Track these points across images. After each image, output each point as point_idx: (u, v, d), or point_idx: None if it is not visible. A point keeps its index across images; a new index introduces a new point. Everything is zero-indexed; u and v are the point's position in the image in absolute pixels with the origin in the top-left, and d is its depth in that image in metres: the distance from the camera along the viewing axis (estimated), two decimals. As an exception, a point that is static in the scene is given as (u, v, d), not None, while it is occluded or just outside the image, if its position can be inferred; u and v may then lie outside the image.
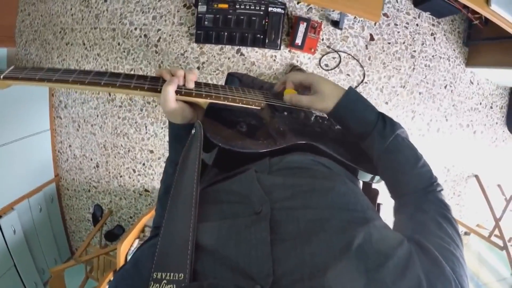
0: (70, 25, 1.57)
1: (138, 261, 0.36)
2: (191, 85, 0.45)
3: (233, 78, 0.66)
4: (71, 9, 1.54)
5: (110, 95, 1.63)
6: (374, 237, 0.30)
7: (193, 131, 0.42)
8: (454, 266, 0.32)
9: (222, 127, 0.45)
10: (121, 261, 1.31)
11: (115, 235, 1.95)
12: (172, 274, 0.29)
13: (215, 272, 0.30)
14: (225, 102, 0.48)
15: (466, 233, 1.79)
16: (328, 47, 1.42)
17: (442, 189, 0.45)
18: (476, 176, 1.76)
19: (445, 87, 1.54)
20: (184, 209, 0.34)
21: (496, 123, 1.70)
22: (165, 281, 0.29)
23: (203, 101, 0.46)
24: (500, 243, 1.59)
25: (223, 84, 0.64)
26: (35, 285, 1.76)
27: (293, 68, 1.40)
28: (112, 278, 0.39)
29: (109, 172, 1.80)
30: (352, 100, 0.48)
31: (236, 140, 0.43)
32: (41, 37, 1.66)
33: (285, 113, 0.53)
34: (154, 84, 0.44)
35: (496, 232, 1.64)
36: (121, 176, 1.79)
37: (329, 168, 0.46)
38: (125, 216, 1.91)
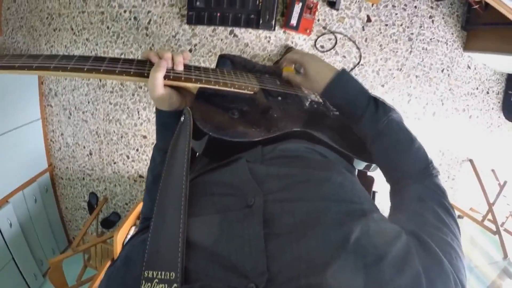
0: (57, 10, 1.51)
1: (128, 258, 0.35)
2: (180, 67, 0.43)
3: (225, 60, 0.63)
4: (57, -7, 1.48)
5: (100, 80, 1.59)
6: (371, 231, 0.29)
7: (182, 119, 0.40)
8: (452, 259, 0.31)
9: (213, 113, 0.43)
10: (118, 249, 1.32)
11: (111, 222, 1.95)
12: (163, 273, 0.28)
13: (207, 270, 0.28)
14: (216, 87, 0.45)
15: (459, 217, 1.82)
16: (324, 28, 1.39)
17: (438, 173, 0.44)
18: (471, 161, 1.77)
19: (442, 71, 1.53)
20: (174, 204, 0.32)
21: (492, 108, 1.70)
22: (156, 280, 0.28)
23: (192, 86, 0.44)
24: (493, 227, 1.61)
25: (215, 67, 0.61)
26: (35, 276, 1.77)
27: (288, 50, 1.37)
28: (103, 275, 0.38)
29: (102, 159, 1.79)
30: (343, 82, 0.47)
31: (227, 128, 0.41)
32: (28, 24, 1.61)
33: (279, 98, 0.51)
34: (141, 68, 0.41)
35: (489, 216, 1.67)
36: (115, 163, 1.78)
37: (325, 156, 0.44)
38: (120, 202, 1.91)
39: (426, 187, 0.41)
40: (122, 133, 1.68)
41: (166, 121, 0.46)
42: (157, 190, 0.47)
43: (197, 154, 0.50)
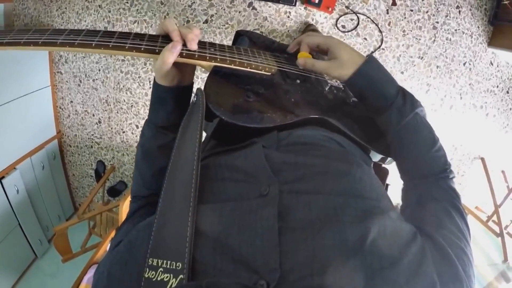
0: None
1: (132, 244, 0.33)
2: (193, 46, 0.39)
3: (243, 38, 0.59)
4: (71, -46, 1.43)
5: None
6: (388, 231, 0.27)
7: (194, 99, 0.37)
8: (465, 266, 0.30)
9: (227, 96, 0.40)
10: (123, 218, 1.34)
11: (117, 191, 1.98)
12: (169, 262, 0.26)
13: (215, 262, 0.27)
14: (232, 66, 0.42)
15: (463, 214, 1.81)
16: (347, 7, 1.32)
17: (454, 176, 0.42)
18: (482, 159, 1.74)
19: (464, 64, 1.47)
20: (183, 190, 0.30)
21: (510, 109, 1.65)
22: (161, 269, 0.26)
23: (206, 64, 0.41)
24: (497, 229, 1.61)
25: (231, 43, 0.57)
26: (40, 242, 1.82)
27: (308, 27, 1.31)
28: (104, 258, 0.36)
29: (111, 128, 1.79)
30: (372, 70, 0.43)
31: (241, 113, 0.38)
32: None
33: (298, 81, 0.48)
34: (152, 44, 0.38)
35: (494, 218, 1.65)
36: (123, 132, 1.78)
37: (342, 146, 0.42)
38: (127, 172, 1.93)
39: (441, 188, 0.40)
40: (132, 103, 1.67)
41: (163, 96, 0.43)
42: (147, 167, 0.45)
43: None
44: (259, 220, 0.28)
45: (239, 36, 0.59)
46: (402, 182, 0.46)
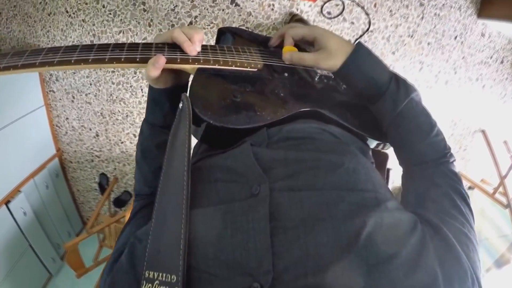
0: None
1: (131, 253, 0.33)
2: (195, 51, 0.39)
3: (226, 35, 0.57)
4: (48, -25, 1.42)
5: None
6: (385, 223, 0.27)
7: (180, 105, 0.36)
8: (469, 251, 0.29)
9: (213, 98, 0.39)
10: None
11: (123, 201, 2.00)
12: (164, 275, 0.26)
13: (209, 267, 0.27)
14: (216, 66, 0.41)
15: (470, 188, 1.80)
16: (330, -6, 1.31)
17: (454, 160, 0.41)
18: (483, 131, 1.73)
19: (455, 38, 1.45)
20: (175, 200, 0.30)
21: (506, 78, 1.63)
22: (157, 281, 0.26)
23: (190, 67, 0.40)
24: (504, 201, 1.60)
25: (214, 42, 0.56)
26: (53, 260, 1.83)
27: (293, 17, 1.30)
28: (107, 264, 0.37)
29: (109, 140, 1.79)
30: (362, 58, 0.41)
31: (229, 115, 0.38)
32: (22, 12, 1.56)
33: (286, 75, 0.47)
34: (132, 54, 0.38)
35: (501, 189, 1.65)
36: (122, 142, 1.78)
37: (337, 137, 0.41)
38: (130, 181, 1.94)
39: (442, 172, 0.39)
40: (127, 112, 1.67)
41: (157, 98, 0.43)
42: (147, 165, 0.45)
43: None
44: (251, 222, 0.28)
45: (222, 34, 0.58)
46: (401, 168, 0.45)
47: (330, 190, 0.29)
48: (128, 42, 0.41)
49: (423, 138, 0.41)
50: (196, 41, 0.39)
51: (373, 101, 0.43)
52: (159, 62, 0.37)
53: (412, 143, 0.42)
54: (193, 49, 0.39)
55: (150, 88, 0.43)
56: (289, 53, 0.45)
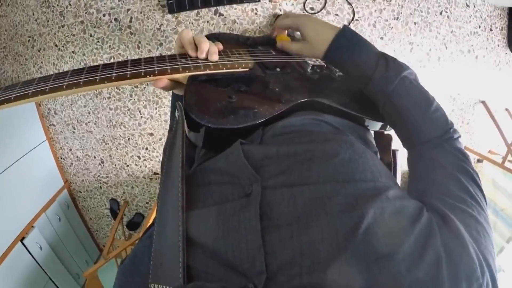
0: (37, 31, 1.49)
1: (136, 255, 0.33)
2: (215, 57, 0.42)
3: (212, 41, 0.59)
4: (33, 14, 1.44)
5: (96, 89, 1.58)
6: (386, 214, 0.25)
7: (176, 114, 0.37)
8: (479, 236, 0.28)
9: (209, 102, 0.39)
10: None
11: (136, 223, 2.00)
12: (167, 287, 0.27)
13: (207, 267, 0.27)
14: (207, 71, 0.42)
15: (479, 161, 1.78)
16: (311, -11, 1.32)
17: (459, 136, 0.39)
18: (483, 102, 1.71)
19: (441, 13, 1.45)
20: (172, 209, 0.30)
21: (498, 45, 1.61)
22: None
23: (181, 76, 0.41)
24: (514, 168, 1.57)
25: None
26: (74, 290, 1.84)
27: (278, 17, 1.31)
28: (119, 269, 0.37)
29: (115, 165, 1.81)
30: (345, 42, 0.41)
31: (227, 116, 0.37)
32: (12, 52, 1.59)
33: (278, 69, 0.47)
34: (122, 71, 0.39)
35: (509, 157, 1.62)
36: (127, 166, 1.80)
37: (333, 126, 0.40)
38: (141, 203, 1.95)
39: (446, 151, 0.37)
40: (128, 136, 1.68)
41: (172, 102, 0.47)
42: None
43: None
44: (242, 221, 0.27)
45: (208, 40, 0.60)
46: (405, 151, 0.43)
47: (324, 183, 0.28)
48: (117, 61, 0.43)
49: (422, 115, 0.39)
50: (204, 49, 0.42)
51: (364, 83, 0.42)
52: (160, 84, 0.39)
53: (411, 121, 0.40)
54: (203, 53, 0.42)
55: (172, 95, 0.48)
56: (281, 41, 0.49)
